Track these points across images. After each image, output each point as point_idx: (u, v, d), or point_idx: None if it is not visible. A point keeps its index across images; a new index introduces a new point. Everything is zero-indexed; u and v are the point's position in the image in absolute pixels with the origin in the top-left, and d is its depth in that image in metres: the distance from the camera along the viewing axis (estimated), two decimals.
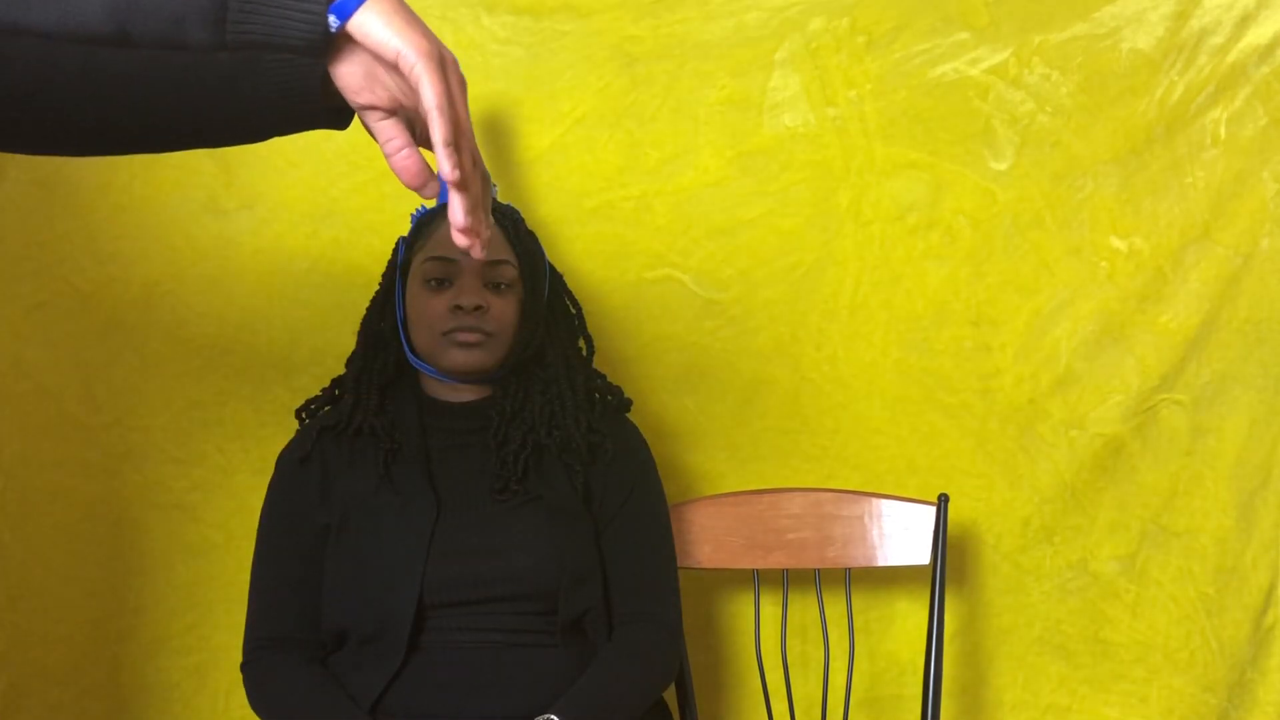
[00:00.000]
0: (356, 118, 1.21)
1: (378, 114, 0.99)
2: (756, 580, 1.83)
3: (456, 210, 0.97)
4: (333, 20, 0.93)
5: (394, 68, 0.93)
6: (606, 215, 1.93)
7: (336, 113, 1.19)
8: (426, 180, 0.98)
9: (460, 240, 0.99)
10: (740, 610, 1.98)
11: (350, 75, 0.97)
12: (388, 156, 0.99)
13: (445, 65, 0.94)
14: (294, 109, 1.20)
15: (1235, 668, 1.92)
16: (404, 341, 1.66)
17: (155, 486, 1.89)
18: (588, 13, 1.89)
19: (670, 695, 1.76)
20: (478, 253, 1.00)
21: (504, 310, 1.62)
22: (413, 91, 0.93)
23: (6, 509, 1.83)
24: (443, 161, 0.94)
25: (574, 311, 1.74)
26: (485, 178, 1.04)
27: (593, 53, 1.90)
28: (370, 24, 0.93)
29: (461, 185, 0.96)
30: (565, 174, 1.92)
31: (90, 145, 1.25)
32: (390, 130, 0.99)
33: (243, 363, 1.90)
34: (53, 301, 1.86)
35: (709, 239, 1.93)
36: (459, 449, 1.64)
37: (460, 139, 0.96)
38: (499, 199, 1.75)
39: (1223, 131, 1.89)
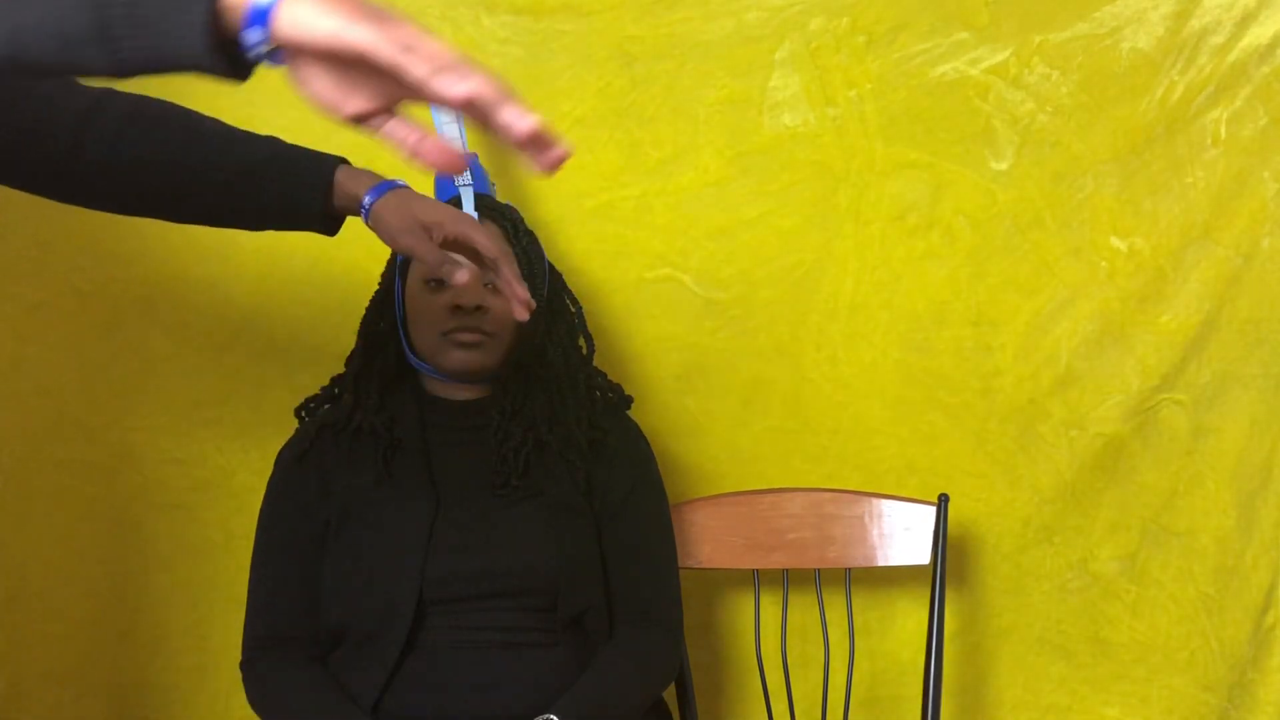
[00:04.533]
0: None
1: (377, 120, 0.90)
2: (756, 580, 1.83)
3: (519, 119, 0.86)
4: (255, 34, 0.86)
5: (358, 60, 0.85)
6: (606, 215, 1.93)
7: (329, 220, 1.37)
8: (456, 157, 0.89)
9: (546, 161, 0.89)
10: (740, 610, 1.98)
11: (322, 90, 0.88)
12: (412, 156, 0.89)
13: (385, 17, 0.85)
14: (289, 218, 1.37)
15: (1235, 668, 1.92)
16: (404, 341, 1.66)
17: (155, 486, 1.89)
18: (588, 13, 1.89)
19: (670, 695, 1.76)
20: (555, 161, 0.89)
21: (504, 310, 1.61)
22: (391, 75, 0.85)
23: (6, 509, 1.83)
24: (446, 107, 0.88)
25: (574, 311, 1.74)
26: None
27: (593, 53, 1.90)
28: (301, 19, 0.85)
29: (496, 100, 0.85)
30: (565, 174, 1.89)
31: (89, 200, 1.36)
32: (399, 130, 0.90)
33: (243, 363, 1.90)
34: (53, 301, 1.86)
35: (709, 239, 1.94)
36: (459, 445, 1.64)
37: (442, 70, 0.84)
38: (499, 199, 1.75)
39: (1223, 131, 1.88)
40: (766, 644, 1.83)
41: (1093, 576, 1.96)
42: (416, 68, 0.84)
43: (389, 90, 0.88)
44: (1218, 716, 1.93)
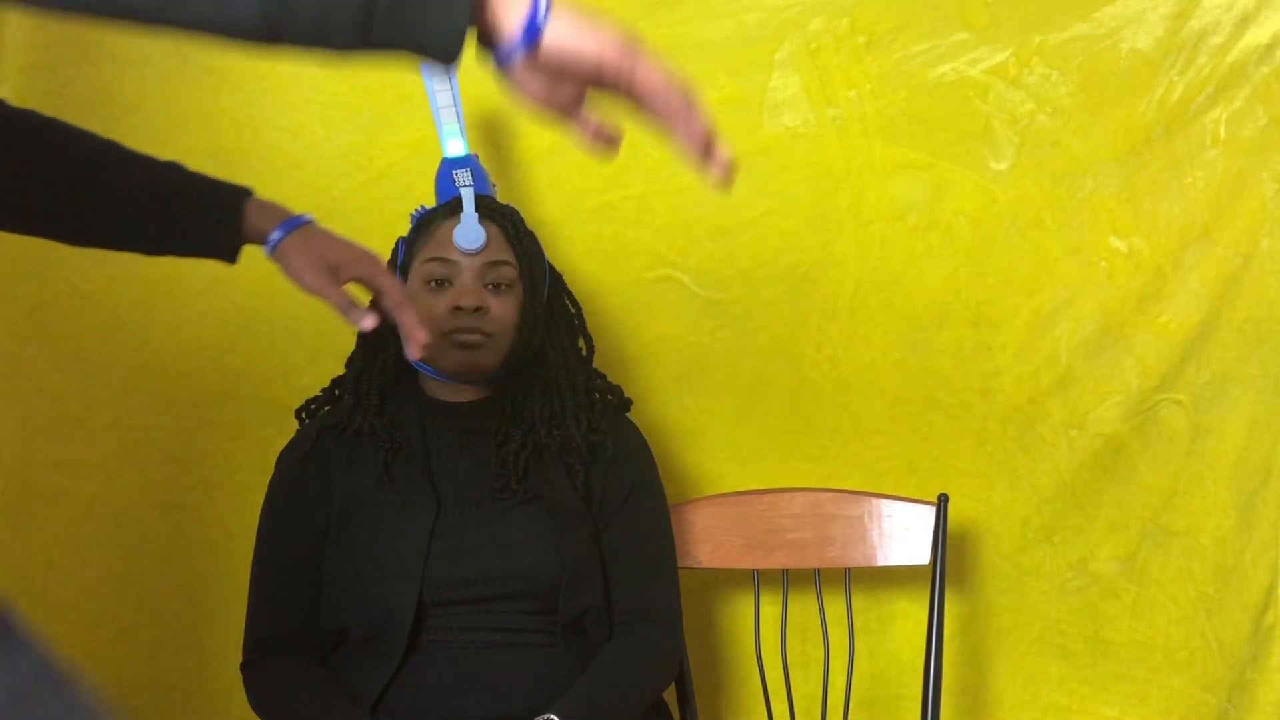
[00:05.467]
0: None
1: (572, 111, 0.99)
2: (756, 580, 1.83)
3: (719, 158, 1.05)
4: (517, 49, 0.93)
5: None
6: (606, 215, 1.93)
7: (232, 251, 1.36)
8: (615, 143, 1.02)
9: (719, 171, 1.05)
10: (740, 610, 1.98)
11: (536, 89, 0.96)
12: (590, 140, 1.01)
13: (642, 47, 0.96)
14: (192, 247, 1.36)
15: (1235, 668, 1.92)
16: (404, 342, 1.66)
17: (155, 486, 1.89)
18: (588, 13, 1.89)
19: (670, 695, 1.76)
20: (727, 172, 1.05)
21: (504, 311, 1.62)
22: (611, 78, 0.96)
23: (6, 509, 1.83)
24: (695, 140, 1.04)
25: (574, 311, 1.74)
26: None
27: None
28: (562, 37, 0.93)
29: (714, 146, 1.04)
30: (565, 174, 1.92)
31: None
32: (583, 120, 0.99)
33: (243, 363, 1.90)
34: (53, 301, 1.86)
35: (709, 239, 1.94)
36: (459, 448, 1.64)
37: (690, 108, 1.01)
38: (499, 199, 1.75)
39: (1222, 131, 1.88)
40: (766, 644, 1.83)
41: (1092, 576, 1.96)
42: (673, 103, 0.99)
43: (589, 88, 0.97)
44: (1217, 716, 1.93)
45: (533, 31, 0.92)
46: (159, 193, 1.32)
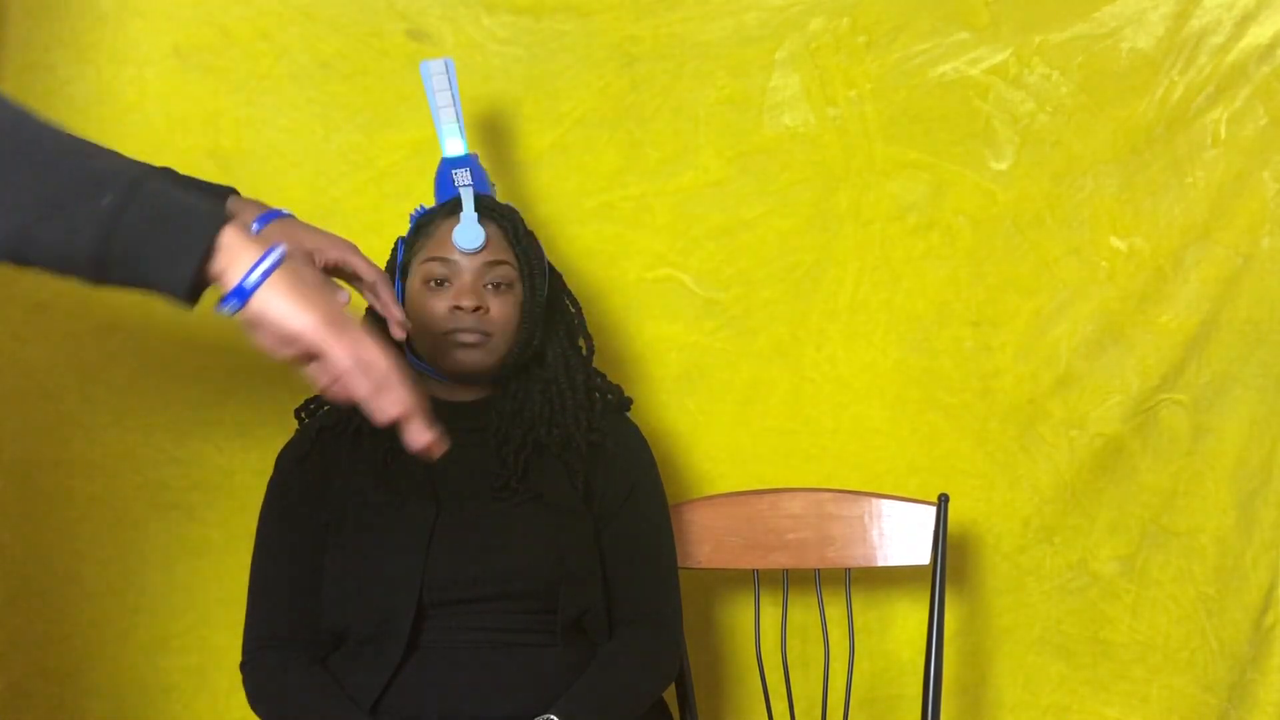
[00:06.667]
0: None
1: (298, 364, 1.06)
2: (756, 580, 1.83)
3: (416, 434, 1.11)
4: (230, 307, 1.02)
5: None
6: (606, 215, 1.93)
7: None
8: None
9: (435, 451, 1.13)
10: (740, 610, 1.98)
11: (261, 341, 1.05)
12: (322, 393, 1.08)
13: (345, 328, 1.04)
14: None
15: (1235, 668, 1.92)
16: (403, 342, 1.66)
17: (155, 486, 1.89)
18: (588, 13, 1.89)
19: (670, 695, 1.76)
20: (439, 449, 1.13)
21: (504, 310, 1.62)
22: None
23: (6, 509, 1.83)
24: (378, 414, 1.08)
25: (573, 311, 1.74)
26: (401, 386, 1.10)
27: (593, 53, 1.90)
28: (270, 304, 1.02)
29: (406, 417, 1.09)
30: (565, 174, 1.92)
31: None
32: (315, 372, 1.07)
33: (243, 363, 1.89)
34: (53, 301, 1.86)
35: (709, 239, 1.94)
36: (458, 448, 1.62)
37: (380, 392, 1.07)
38: (499, 199, 1.75)
39: (1223, 131, 1.88)
40: (766, 644, 1.83)
41: (1093, 576, 1.96)
42: (359, 387, 1.05)
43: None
44: (1218, 716, 1.93)
45: (240, 293, 1.02)
46: None
